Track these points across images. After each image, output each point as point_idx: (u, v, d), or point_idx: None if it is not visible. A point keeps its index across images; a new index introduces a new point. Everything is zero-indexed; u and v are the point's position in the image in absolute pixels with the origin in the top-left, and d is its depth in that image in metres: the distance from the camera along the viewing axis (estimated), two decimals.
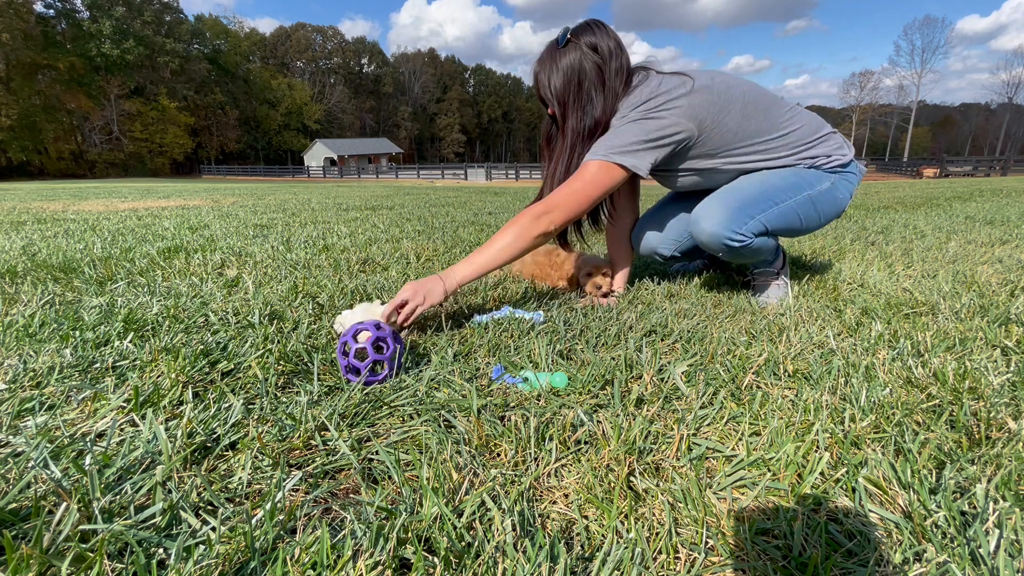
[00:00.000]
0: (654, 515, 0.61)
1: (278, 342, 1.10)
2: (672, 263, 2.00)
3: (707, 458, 0.74)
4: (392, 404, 0.87)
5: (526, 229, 1.26)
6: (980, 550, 0.54)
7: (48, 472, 0.65)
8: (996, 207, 4.27)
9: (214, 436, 0.76)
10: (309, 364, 1.02)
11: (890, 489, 0.64)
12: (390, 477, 0.69)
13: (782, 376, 0.97)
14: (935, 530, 0.57)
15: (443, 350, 1.10)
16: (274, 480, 0.65)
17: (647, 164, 1.29)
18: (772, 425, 0.78)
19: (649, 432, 0.78)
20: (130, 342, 1.10)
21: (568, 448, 0.75)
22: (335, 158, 50.38)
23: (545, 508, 0.63)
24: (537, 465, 0.71)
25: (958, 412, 0.80)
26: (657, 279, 1.76)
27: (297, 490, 0.66)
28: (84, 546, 0.53)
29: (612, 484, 0.66)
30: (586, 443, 0.77)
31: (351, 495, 0.66)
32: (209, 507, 0.62)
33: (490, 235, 2.90)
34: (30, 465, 0.67)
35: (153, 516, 0.58)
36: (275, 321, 1.27)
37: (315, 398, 0.89)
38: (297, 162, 56.39)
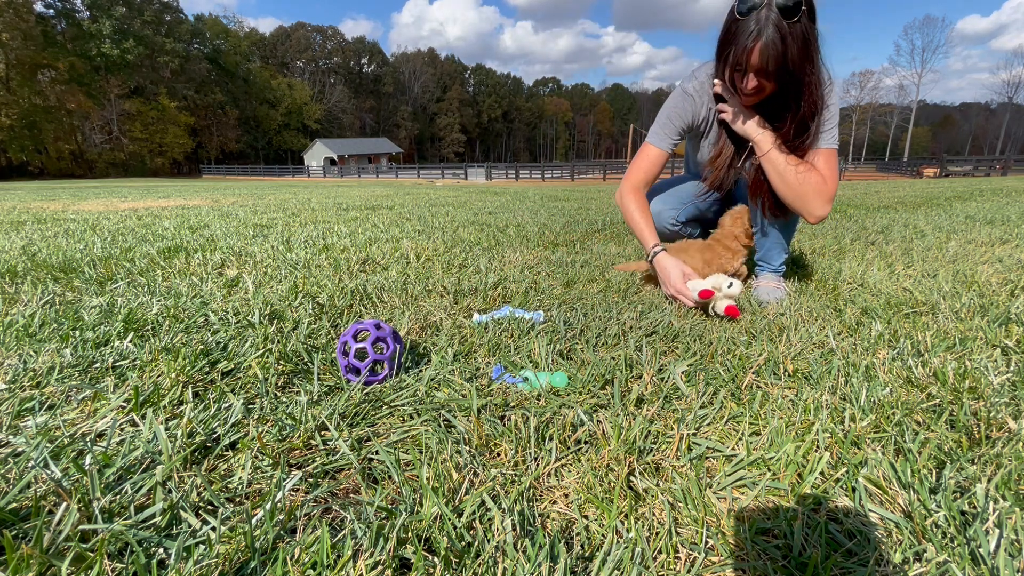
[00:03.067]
0: (654, 515, 0.61)
1: (278, 342, 1.10)
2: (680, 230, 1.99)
3: (707, 458, 0.74)
4: (392, 404, 0.87)
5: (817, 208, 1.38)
6: (980, 550, 0.54)
7: (48, 472, 0.65)
8: (996, 207, 4.27)
9: (214, 436, 0.76)
10: (309, 364, 1.02)
11: (890, 489, 0.64)
12: (390, 477, 0.69)
13: (782, 376, 0.97)
14: (935, 530, 0.57)
15: (443, 350, 1.10)
16: (274, 480, 0.65)
17: None
18: (772, 425, 0.78)
19: (649, 432, 0.78)
20: (130, 342, 1.10)
21: (568, 448, 0.75)
22: (335, 158, 50.39)
23: (545, 508, 0.63)
24: (537, 465, 0.71)
25: (958, 412, 0.80)
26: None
27: (297, 490, 0.66)
28: (84, 546, 0.53)
29: (612, 484, 0.66)
30: (586, 443, 0.77)
31: (351, 495, 0.66)
32: (209, 507, 0.62)
33: (491, 234, 2.91)
34: (30, 465, 0.67)
35: (153, 516, 0.58)
36: (275, 321, 1.27)
37: (315, 398, 0.89)
38: (297, 162, 56.41)
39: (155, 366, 0.98)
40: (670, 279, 1.43)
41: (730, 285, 1.28)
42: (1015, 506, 0.59)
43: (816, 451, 0.72)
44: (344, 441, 0.75)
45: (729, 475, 0.69)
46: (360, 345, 0.93)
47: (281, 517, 0.58)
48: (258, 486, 0.66)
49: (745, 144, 1.49)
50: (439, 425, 0.81)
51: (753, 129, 1.41)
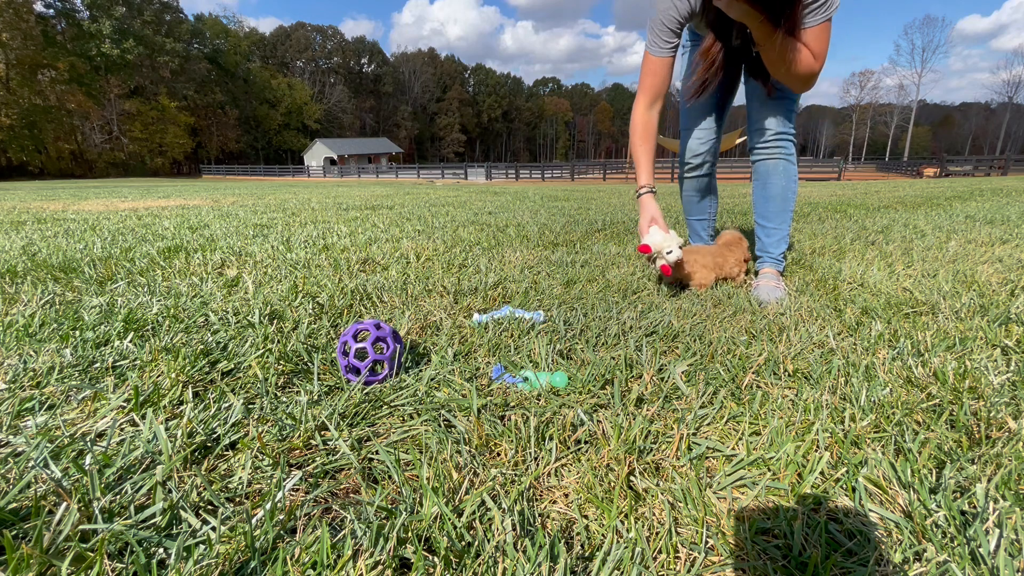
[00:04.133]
0: (654, 515, 0.61)
1: (278, 342, 1.10)
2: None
3: (707, 458, 0.74)
4: (392, 404, 0.87)
5: None
6: (980, 549, 0.54)
7: (48, 472, 0.65)
8: (996, 207, 4.27)
9: (214, 436, 0.76)
10: (309, 364, 1.02)
11: (890, 489, 0.64)
12: (390, 477, 0.69)
13: (782, 376, 0.97)
14: (935, 529, 0.57)
15: (443, 350, 1.10)
16: (274, 480, 0.65)
17: None
18: (772, 425, 0.78)
19: (649, 432, 0.78)
20: (130, 342, 1.10)
21: (568, 448, 0.75)
22: (335, 157, 50.38)
23: (545, 508, 0.63)
24: (537, 465, 0.71)
25: (958, 412, 0.80)
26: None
27: (297, 490, 0.66)
28: (84, 546, 0.53)
29: (612, 484, 0.66)
30: (586, 443, 0.77)
31: (351, 495, 0.66)
32: (209, 507, 0.62)
33: (491, 234, 2.91)
34: (30, 465, 0.67)
35: (153, 516, 0.58)
36: (275, 321, 1.27)
37: (315, 398, 0.89)
38: (297, 162, 56.42)
39: (155, 366, 0.98)
40: (641, 220, 1.61)
41: (669, 252, 1.49)
42: (1015, 506, 0.59)
43: (816, 451, 0.72)
44: (344, 441, 0.75)
45: (729, 475, 0.69)
46: (360, 345, 0.93)
47: (281, 517, 0.58)
48: (258, 486, 0.66)
49: (731, 33, 1.54)
50: (439, 425, 0.81)
51: (742, 10, 1.38)
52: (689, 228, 2.09)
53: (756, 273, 1.77)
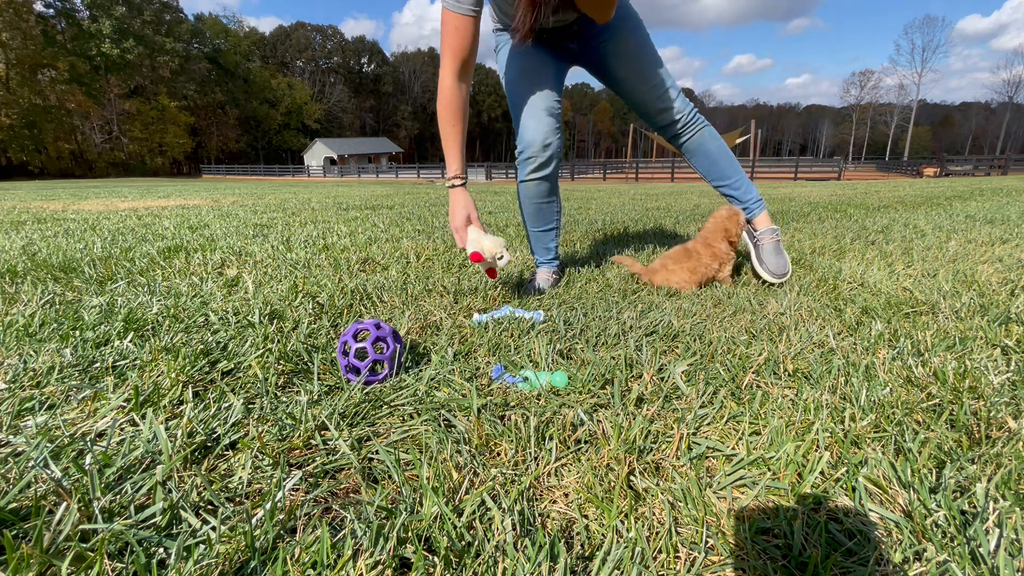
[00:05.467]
0: (654, 514, 0.61)
1: (278, 341, 1.10)
2: None
3: (707, 457, 0.74)
4: (392, 403, 0.87)
5: None
6: (980, 549, 0.54)
7: (48, 472, 0.65)
8: (996, 206, 4.27)
9: (214, 436, 0.76)
10: (309, 364, 1.02)
11: (890, 488, 0.64)
12: (390, 476, 0.69)
13: (782, 375, 0.97)
14: (935, 529, 0.57)
15: (443, 350, 1.10)
16: (274, 480, 0.65)
17: None
18: (772, 424, 0.78)
19: (649, 431, 0.78)
20: (130, 342, 1.10)
21: (568, 447, 0.75)
22: (335, 157, 50.38)
23: (545, 507, 0.63)
24: (537, 464, 0.71)
25: (958, 411, 0.80)
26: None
27: (297, 490, 0.66)
28: (84, 546, 0.53)
29: (612, 483, 0.66)
30: (586, 442, 0.77)
31: (351, 495, 0.66)
32: (209, 507, 0.62)
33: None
34: (30, 465, 0.67)
35: (153, 516, 0.58)
36: (275, 321, 1.27)
37: (315, 398, 0.89)
38: (297, 161, 56.39)
39: (155, 366, 0.98)
40: (454, 216, 1.41)
41: (500, 257, 1.36)
42: (1015, 506, 0.59)
43: (816, 451, 0.72)
44: (344, 441, 0.75)
45: (729, 475, 0.69)
46: (360, 345, 0.93)
47: (281, 517, 0.58)
48: (258, 486, 0.66)
49: None
50: (439, 425, 0.81)
51: None
52: (533, 244, 1.78)
53: (750, 224, 1.77)
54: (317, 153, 51.43)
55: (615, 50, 1.60)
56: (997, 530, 0.56)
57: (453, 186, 1.42)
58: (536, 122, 1.52)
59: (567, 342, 1.15)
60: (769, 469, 0.69)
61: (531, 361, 1.06)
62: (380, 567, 0.52)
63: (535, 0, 1.31)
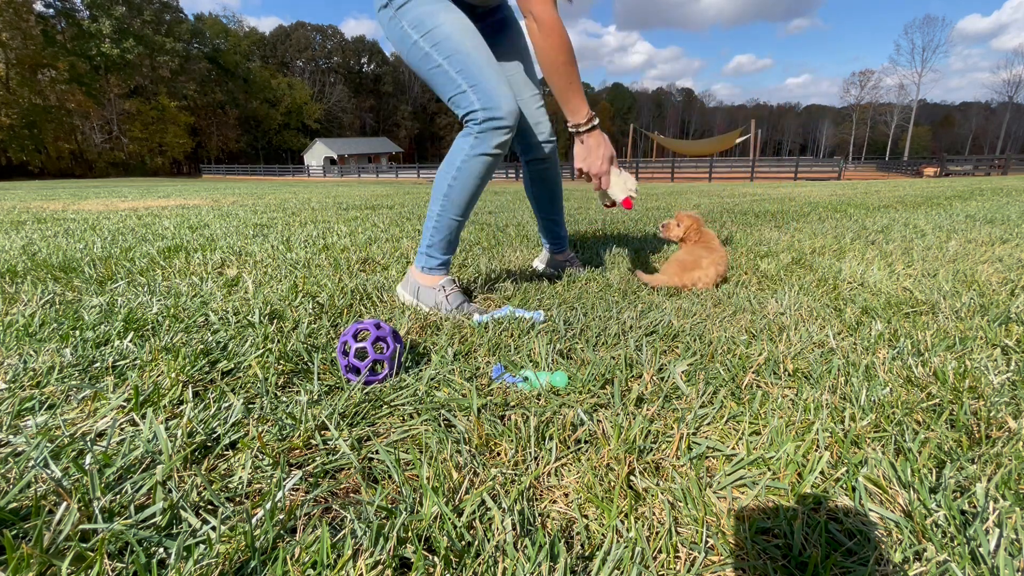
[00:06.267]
0: (654, 514, 0.61)
1: (278, 341, 1.10)
2: None
3: (707, 457, 0.74)
4: (392, 403, 0.87)
5: None
6: (980, 549, 0.54)
7: (48, 472, 0.65)
8: (996, 206, 4.27)
9: (214, 435, 0.76)
10: (309, 363, 1.02)
11: (890, 488, 0.64)
12: (390, 476, 0.69)
13: (782, 375, 0.97)
14: (935, 529, 0.57)
15: (443, 349, 1.10)
16: (274, 479, 0.65)
17: None
18: (772, 424, 0.78)
19: (649, 431, 0.78)
20: (130, 341, 1.10)
21: (568, 447, 0.75)
22: (335, 157, 50.39)
23: (545, 507, 0.63)
24: (537, 464, 0.71)
25: (958, 411, 0.80)
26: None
27: (297, 489, 0.66)
28: (84, 545, 0.53)
29: (612, 483, 0.66)
30: (586, 442, 0.77)
31: (351, 494, 0.66)
32: (209, 506, 0.62)
33: (491, 234, 2.90)
34: (30, 465, 0.67)
35: (153, 515, 0.58)
36: (275, 320, 1.27)
37: (315, 397, 0.89)
38: (297, 161, 56.42)
39: (155, 366, 0.98)
40: (603, 160, 1.36)
41: (635, 188, 1.42)
42: (1015, 505, 0.59)
43: (816, 451, 0.72)
44: (344, 441, 0.75)
45: (729, 475, 0.69)
46: (360, 345, 0.93)
47: (281, 517, 0.58)
48: (258, 486, 0.66)
49: None
50: (439, 425, 0.81)
51: None
52: (448, 235, 1.44)
53: (553, 256, 1.90)
54: (317, 153, 51.45)
55: (515, 44, 1.55)
56: (997, 530, 0.56)
57: (594, 128, 1.34)
58: (507, 88, 1.31)
59: (567, 342, 1.15)
60: (769, 469, 0.69)
61: (531, 361, 1.06)
62: (380, 567, 0.52)
63: None
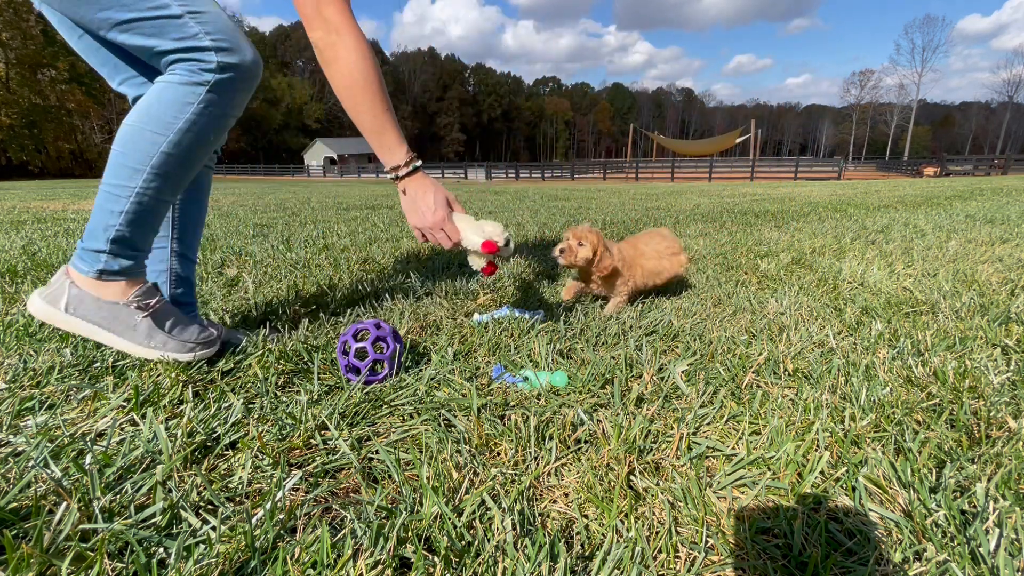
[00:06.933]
0: (654, 514, 0.61)
1: (278, 341, 1.10)
2: None
3: (707, 457, 0.74)
4: (392, 403, 0.87)
5: None
6: (980, 549, 0.54)
7: (48, 471, 0.65)
8: (996, 206, 4.27)
9: (214, 435, 0.76)
10: (309, 363, 1.02)
11: (890, 488, 0.64)
12: (390, 476, 0.69)
13: (782, 375, 0.97)
14: (935, 529, 0.57)
15: (443, 349, 1.10)
16: (274, 479, 0.65)
17: None
18: (772, 424, 0.78)
19: (649, 431, 0.78)
20: None
21: (568, 447, 0.75)
22: (335, 157, 50.38)
23: (545, 507, 0.63)
24: (537, 464, 0.71)
25: (958, 411, 0.80)
26: None
27: (297, 489, 0.66)
28: (84, 545, 0.53)
29: (612, 483, 0.66)
30: (586, 442, 0.77)
31: (351, 494, 0.66)
32: (209, 506, 0.62)
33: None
34: (30, 464, 0.67)
35: (153, 515, 0.58)
36: (275, 320, 1.27)
37: (315, 397, 0.89)
38: (297, 161, 56.37)
39: (155, 365, 0.98)
40: (437, 208, 1.00)
41: (507, 243, 1.03)
42: (1015, 505, 0.59)
43: (816, 450, 0.72)
44: (344, 440, 0.75)
45: (729, 474, 0.69)
46: (360, 344, 0.93)
47: (281, 516, 0.58)
48: (258, 485, 0.66)
49: None
50: (439, 424, 0.81)
51: None
52: (148, 224, 0.98)
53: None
54: (317, 153, 51.46)
55: None
56: (997, 530, 0.56)
57: (415, 170, 1.01)
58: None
59: (567, 342, 1.15)
60: (769, 469, 0.69)
61: (531, 361, 1.06)
62: (380, 567, 0.52)
63: None
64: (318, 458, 0.72)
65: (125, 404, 0.84)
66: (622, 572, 0.53)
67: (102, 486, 0.62)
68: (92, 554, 0.52)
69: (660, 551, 0.56)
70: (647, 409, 0.84)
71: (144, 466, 0.68)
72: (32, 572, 0.50)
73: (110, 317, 0.95)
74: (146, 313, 0.95)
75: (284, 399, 0.89)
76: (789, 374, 0.97)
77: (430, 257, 2.21)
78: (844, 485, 0.66)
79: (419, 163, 1.02)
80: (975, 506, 0.60)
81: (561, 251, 1.29)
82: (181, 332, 0.97)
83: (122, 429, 0.78)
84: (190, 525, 0.58)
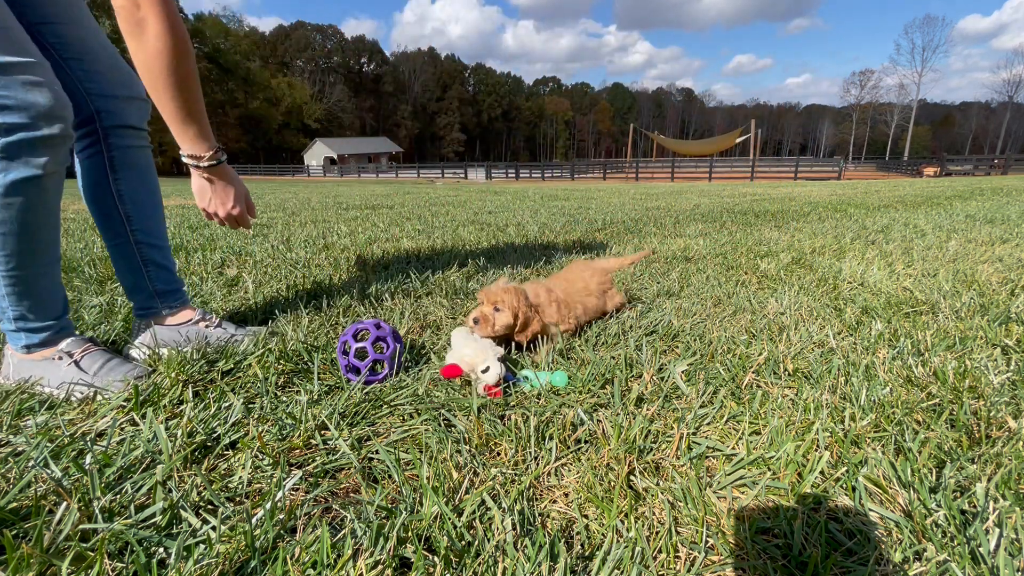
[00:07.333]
0: (654, 514, 0.61)
1: (278, 341, 1.10)
2: None
3: (707, 457, 0.74)
4: (392, 403, 0.87)
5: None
6: (980, 549, 0.54)
7: (48, 471, 0.65)
8: (996, 206, 4.27)
9: (214, 435, 0.76)
10: (309, 363, 1.02)
11: (890, 488, 0.64)
12: (390, 476, 0.69)
13: (782, 375, 0.97)
14: (935, 529, 0.57)
15: (443, 349, 1.09)
16: (274, 479, 0.65)
17: None
18: (772, 424, 0.78)
19: (649, 431, 0.78)
20: None
21: (568, 447, 0.75)
22: (335, 157, 50.41)
23: (545, 507, 0.63)
24: (537, 464, 0.71)
25: (958, 411, 0.80)
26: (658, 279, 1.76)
27: (297, 489, 0.66)
28: (84, 545, 0.53)
29: (612, 483, 0.66)
30: (586, 442, 0.77)
31: (351, 494, 0.66)
32: (209, 506, 0.62)
33: (490, 234, 2.91)
34: (30, 464, 0.67)
35: (153, 515, 0.58)
36: (275, 320, 1.27)
37: (315, 397, 0.89)
38: (297, 161, 56.41)
39: (155, 366, 0.98)
40: (237, 197, 1.02)
41: (486, 369, 0.92)
42: (1015, 505, 0.59)
43: (816, 450, 0.72)
44: (344, 440, 0.75)
45: (729, 474, 0.69)
46: (360, 344, 0.93)
47: (281, 516, 0.58)
48: (258, 485, 0.66)
49: None
50: (439, 424, 0.81)
51: None
52: (36, 293, 0.93)
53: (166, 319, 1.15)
54: (317, 153, 51.50)
55: None
56: (997, 530, 0.56)
57: (220, 163, 0.98)
58: (37, 59, 0.82)
59: (567, 342, 1.15)
60: (769, 469, 0.69)
61: (531, 361, 1.06)
62: (380, 567, 0.52)
63: None
64: (318, 458, 0.72)
65: (125, 404, 0.84)
66: (622, 572, 0.53)
67: (102, 486, 0.62)
68: (92, 554, 0.52)
69: (660, 551, 0.56)
70: (647, 409, 0.84)
71: (144, 466, 0.68)
72: (32, 572, 0.50)
73: (48, 373, 0.93)
74: (70, 361, 0.93)
75: (284, 399, 0.89)
76: (789, 374, 0.97)
77: (430, 257, 2.21)
78: (844, 485, 0.66)
79: (224, 157, 0.99)
80: (975, 506, 0.60)
81: (476, 321, 1.06)
82: (109, 373, 0.94)
83: (122, 429, 0.78)
84: (190, 525, 0.58)
